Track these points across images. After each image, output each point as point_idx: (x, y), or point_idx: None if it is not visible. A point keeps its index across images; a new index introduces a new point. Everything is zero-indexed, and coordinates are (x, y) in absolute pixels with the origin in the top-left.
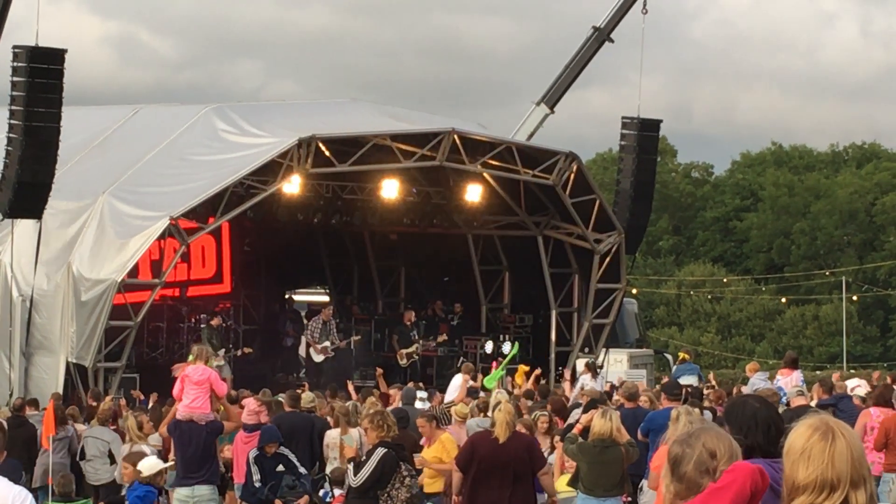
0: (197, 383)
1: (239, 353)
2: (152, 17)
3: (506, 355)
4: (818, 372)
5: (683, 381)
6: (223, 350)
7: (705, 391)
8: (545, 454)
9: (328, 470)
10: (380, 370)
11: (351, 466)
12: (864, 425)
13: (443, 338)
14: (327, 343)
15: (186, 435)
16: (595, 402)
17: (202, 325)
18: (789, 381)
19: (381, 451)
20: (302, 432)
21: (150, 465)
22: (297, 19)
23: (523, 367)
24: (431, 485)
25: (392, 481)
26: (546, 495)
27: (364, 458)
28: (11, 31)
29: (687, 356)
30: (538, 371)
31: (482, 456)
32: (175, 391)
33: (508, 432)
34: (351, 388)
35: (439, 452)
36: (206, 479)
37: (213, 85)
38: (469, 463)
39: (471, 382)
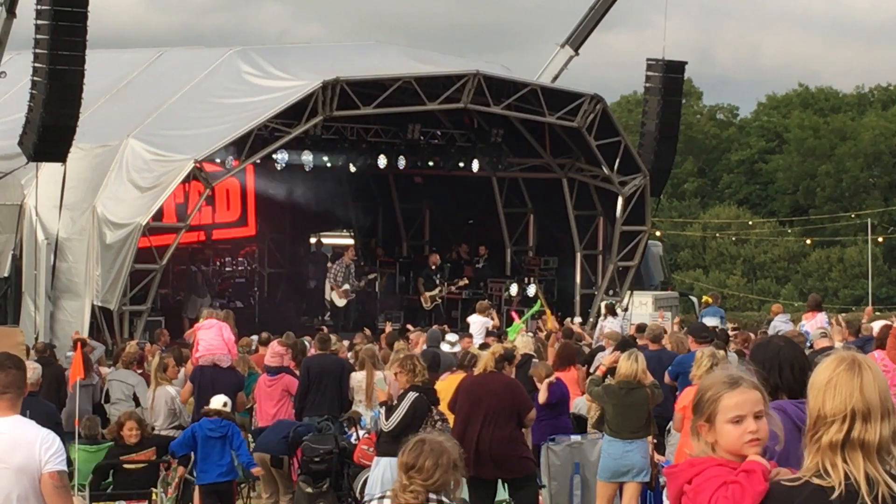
0: (207, 327)
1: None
2: None
3: (530, 298)
4: (843, 314)
5: (707, 323)
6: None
7: (731, 333)
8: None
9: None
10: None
11: (382, 410)
12: None
13: (463, 281)
14: (347, 286)
15: (209, 382)
16: (627, 342)
17: (226, 270)
18: (814, 324)
19: (412, 396)
20: (331, 375)
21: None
22: None
23: (550, 313)
24: None
25: (423, 425)
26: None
27: (396, 401)
28: None
29: (710, 300)
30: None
31: (463, 395)
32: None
33: (482, 370)
34: (388, 326)
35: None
36: None
37: (238, 29)
38: (454, 402)
39: (490, 322)
